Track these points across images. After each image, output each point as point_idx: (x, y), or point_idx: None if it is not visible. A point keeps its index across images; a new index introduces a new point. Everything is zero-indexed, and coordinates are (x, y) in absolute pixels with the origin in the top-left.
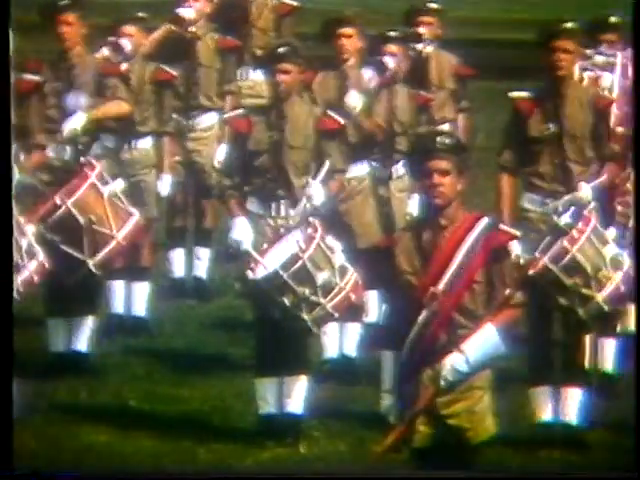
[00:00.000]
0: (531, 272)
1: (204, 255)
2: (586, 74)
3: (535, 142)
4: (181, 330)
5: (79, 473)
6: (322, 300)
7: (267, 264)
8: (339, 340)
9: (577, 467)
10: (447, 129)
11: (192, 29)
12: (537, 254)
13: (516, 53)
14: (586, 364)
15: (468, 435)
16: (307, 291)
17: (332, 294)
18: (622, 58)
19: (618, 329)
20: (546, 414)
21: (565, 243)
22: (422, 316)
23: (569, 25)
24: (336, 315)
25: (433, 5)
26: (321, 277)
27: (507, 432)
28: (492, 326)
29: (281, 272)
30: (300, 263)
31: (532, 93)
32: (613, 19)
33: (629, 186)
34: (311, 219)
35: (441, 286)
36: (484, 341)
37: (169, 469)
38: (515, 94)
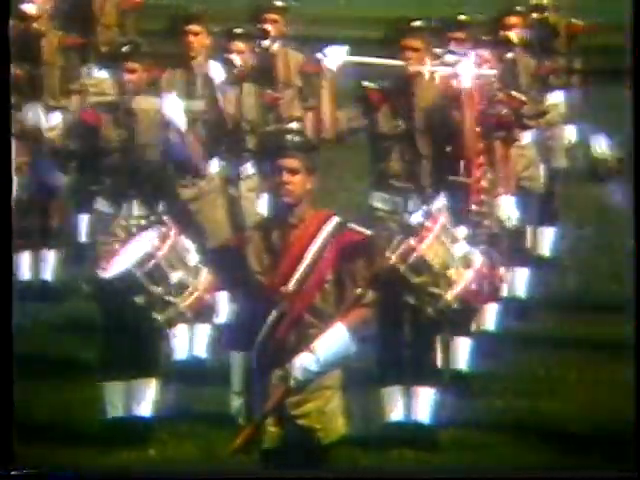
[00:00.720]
0: (380, 271)
1: (50, 257)
2: (437, 73)
3: (385, 139)
4: (28, 334)
5: (79, 473)
6: (175, 300)
7: (119, 263)
8: (189, 341)
9: (430, 466)
10: (296, 127)
11: (35, 25)
12: (387, 253)
13: (365, 50)
14: (438, 363)
15: (318, 435)
16: (161, 290)
17: (185, 294)
18: (474, 57)
19: (472, 328)
20: (397, 413)
21: (413, 241)
22: (272, 316)
23: (417, 23)
24: (189, 315)
25: (279, 2)
26: (175, 277)
27: (358, 432)
28: (342, 325)
29: (134, 271)
30: (154, 262)
31: (382, 88)
32: (462, 17)
33: (484, 184)
34: (165, 218)
35: (291, 285)
36: (334, 341)
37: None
38: (367, 84)
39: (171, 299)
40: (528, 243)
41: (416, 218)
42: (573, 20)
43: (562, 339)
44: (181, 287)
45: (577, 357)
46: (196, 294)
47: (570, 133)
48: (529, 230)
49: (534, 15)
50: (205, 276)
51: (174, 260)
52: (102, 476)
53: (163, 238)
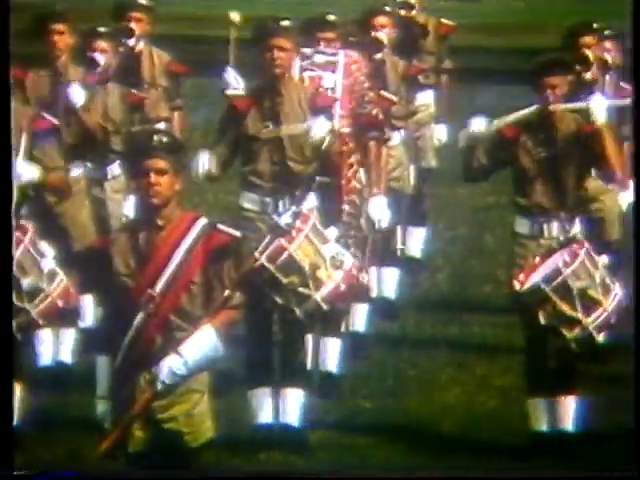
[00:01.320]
0: (249, 272)
1: None
2: (306, 74)
3: (253, 140)
4: None
5: (79, 473)
6: (26, 306)
7: None
8: (54, 347)
9: (298, 468)
10: (163, 128)
11: None
12: (256, 254)
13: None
14: (307, 364)
15: (186, 439)
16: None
17: (37, 300)
18: (344, 57)
19: (341, 329)
20: (267, 416)
21: (282, 242)
22: (138, 319)
23: (285, 23)
24: (41, 322)
25: (143, 1)
26: (26, 282)
27: (227, 434)
28: (210, 328)
29: None
30: None
31: (249, 91)
32: (331, 17)
33: (357, 185)
34: (23, 222)
35: (158, 288)
36: (201, 343)
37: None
38: (231, 92)
39: (23, 305)
40: (398, 244)
41: (285, 219)
42: (443, 20)
43: (433, 340)
44: (33, 293)
45: (448, 358)
46: (49, 300)
47: (440, 133)
48: (399, 231)
49: (402, 14)
50: (60, 282)
51: (27, 265)
52: (102, 476)
53: (17, 243)
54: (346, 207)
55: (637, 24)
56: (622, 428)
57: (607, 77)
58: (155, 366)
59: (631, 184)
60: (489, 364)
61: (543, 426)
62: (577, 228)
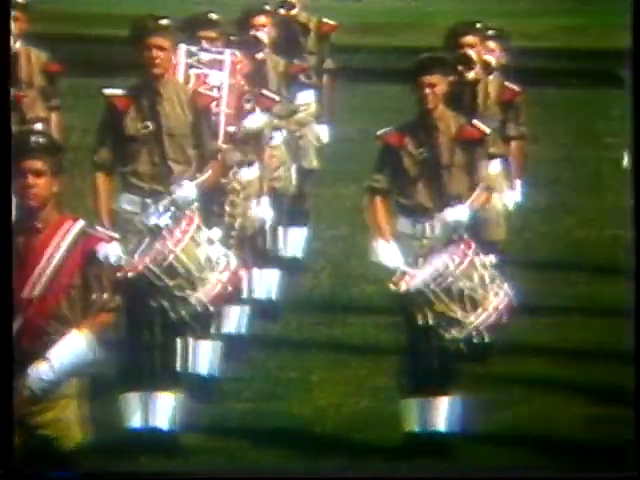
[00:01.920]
0: (130, 275)
1: None
2: (192, 71)
3: (132, 141)
4: None
5: (79, 473)
6: None
7: None
8: None
9: (172, 471)
10: (40, 128)
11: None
12: (136, 256)
13: (110, 49)
14: (178, 367)
15: (56, 444)
16: None
17: None
18: (230, 56)
19: (219, 330)
20: (136, 420)
21: (168, 244)
22: (14, 323)
23: (164, 22)
24: None
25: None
26: None
27: (99, 439)
28: (78, 333)
29: None
30: None
31: (127, 90)
32: (212, 16)
33: (236, 185)
34: None
35: (35, 292)
36: (69, 348)
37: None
38: (109, 91)
39: None
40: (280, 244)
41: (166, 220)
42: (324, 19)
43: (314, 341)
44: None
45: (326, 359)
46: None
47: (321, 133)
48: (280, 231)
49: (282, 13)
50: None
51: None
52: (102, 476)
53: None
54: (227, 208)
55: (637, 24)
56: (501, 428)
57: (491, 77)
58: (27, 372)
59: (517, 184)
60: (371, 365)
61: (416, 426)
62: (461, 229)
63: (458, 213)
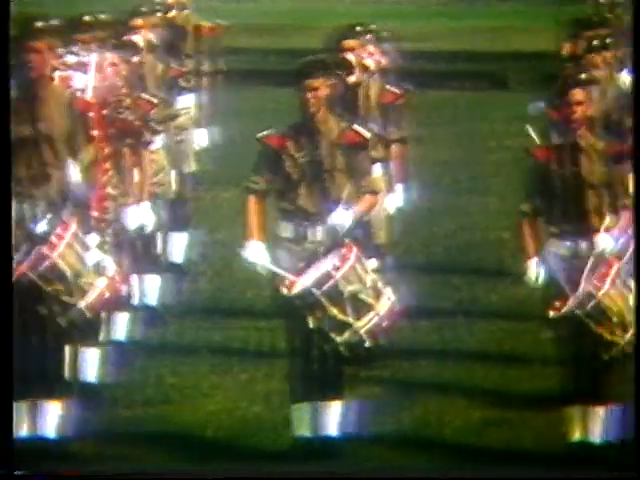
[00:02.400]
0: (14, 279)
1: None
2: (57, 73)
3: (16, 145)
4: None
5: (79, 473)
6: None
7: None
8: None
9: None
10: None
11: None
12: (14, 264)
13: None
14: (66, 375)
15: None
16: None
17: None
18: (96, 57)
19: (102, 337)
20: (24, 429)
21: (44, 250)
22: None
23: (39, 24)
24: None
25: None
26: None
27: None
28: None
29: None
30: None
31: (14, 93)
32: (87, 18)
33: (112, 191)
34: None
35: None
36: None
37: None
38: None
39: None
40: (159, 249)
41: (42, 227)
42: (202, 22)
43: (195, 346)
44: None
45: (211, 364)
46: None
47: (201, 137)
48: (160, 236)
49: (160, 16)
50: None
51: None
52: (102, 476)
53: None
54: (99, 214)
55: (637, 23)
56: (390, 431)
57: (371, 80)
58: None
59: (399, 187)
60: (253, 369)
61: (307, 431)
62: (345, 232)
63: (342, 217)
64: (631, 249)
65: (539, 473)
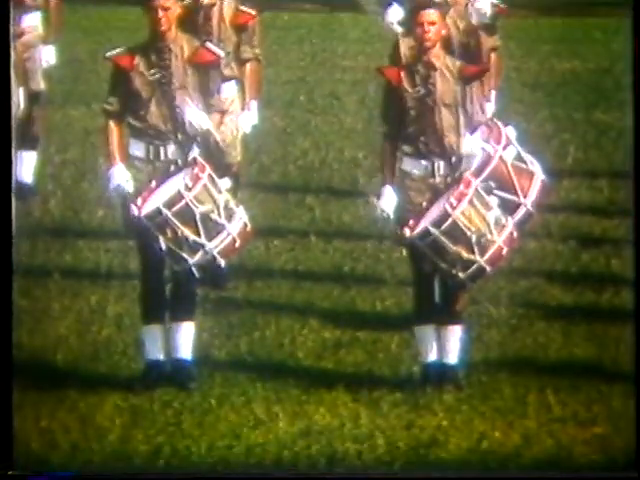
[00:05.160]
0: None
1: None
2: None
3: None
4: None
5: (79, 473)
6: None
7: None
8: None
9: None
10: None
11: None
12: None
13: None
14: None
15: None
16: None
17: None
18: None
19: None
20: None
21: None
22: None
23: None
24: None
25: None
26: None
27: None
28: None
29: None
30: None
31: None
32: None
33: None
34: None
35: None
36: None
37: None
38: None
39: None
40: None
41: None
42: None
43: (45, 268)
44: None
45: (62, 286)
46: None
47: (48, 54)
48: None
49: None
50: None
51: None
52: (103, 477)
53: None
54: None
55: (637, 24)
56: (241, 352)
57: (225, 2)
58: None
59: (254, 106)
60: (103, 291)
61: (158, 354)
62: (196, 151)
63: (190, 130)
64: (489, 167)
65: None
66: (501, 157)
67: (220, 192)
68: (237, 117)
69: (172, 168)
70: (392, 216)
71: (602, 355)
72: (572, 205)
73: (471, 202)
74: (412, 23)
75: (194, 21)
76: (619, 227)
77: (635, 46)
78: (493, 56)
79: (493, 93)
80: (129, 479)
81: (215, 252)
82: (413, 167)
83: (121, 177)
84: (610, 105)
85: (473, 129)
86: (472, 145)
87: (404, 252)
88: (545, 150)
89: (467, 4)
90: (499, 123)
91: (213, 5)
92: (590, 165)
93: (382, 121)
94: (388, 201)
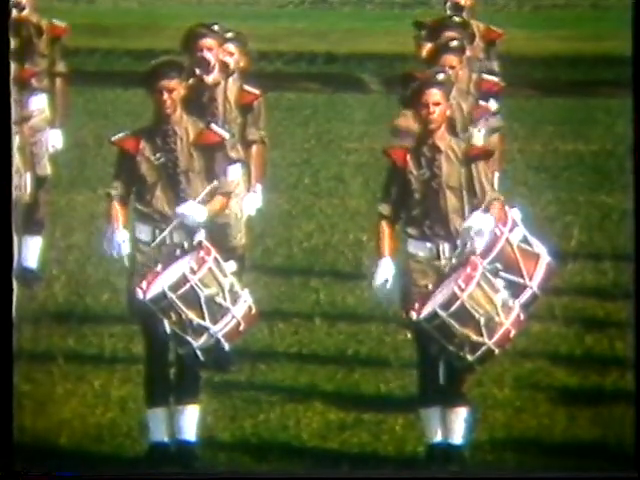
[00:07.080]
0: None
1: None
2: None
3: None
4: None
5: (79, 473)
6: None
7: None
8: None
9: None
10: None
11: None
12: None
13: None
14: None
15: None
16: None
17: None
18: None
19: None
20: None
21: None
22: None
23: None
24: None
25: None
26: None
27: None
28: None
29: None
30: None
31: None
32: None
33: None
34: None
35: None
36: None
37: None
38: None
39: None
40: (16, 255)
41: None
42: (54, 21)
43: (49, 353)
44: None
45: (65, 371)
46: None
47: (55, 139)
48: (15, 241)
49: (15, 16)
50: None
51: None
52: (103, 477)
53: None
54: None
55: (637, 23)
56: (246, 434)
57: (230, 80)
58: None
59: (259, 188)
60: (107, 375)
61: (163, 436)
62: (202, 235)
63: (193, 210)
64: (496, 249)
65: (400, 474)
66: (507, 239)
67: (225, 275)
68: (242, 199)
69: (178, 252)
70: (391, 285)
71: (606, 437)
72: (576, 288)
73: (479, 284)
74: (415, 103)
75: (199, 102)
76: (622, 309)
77: (635, 128)
78: (496, 137)
79: (496, 175)
80: (129, 479)
81: (220, 335)
82: (418, 249)
83: (120, 238)
84: (613, 187)
85: (485, 209)
86: (483, 222)
87: (408, 334)
88: (549, 232)
89: (469, 82)
90: (505, 205)
91: (217, 84)
92: (594, 247)
93: (382, 201)
94: (385, 272)
